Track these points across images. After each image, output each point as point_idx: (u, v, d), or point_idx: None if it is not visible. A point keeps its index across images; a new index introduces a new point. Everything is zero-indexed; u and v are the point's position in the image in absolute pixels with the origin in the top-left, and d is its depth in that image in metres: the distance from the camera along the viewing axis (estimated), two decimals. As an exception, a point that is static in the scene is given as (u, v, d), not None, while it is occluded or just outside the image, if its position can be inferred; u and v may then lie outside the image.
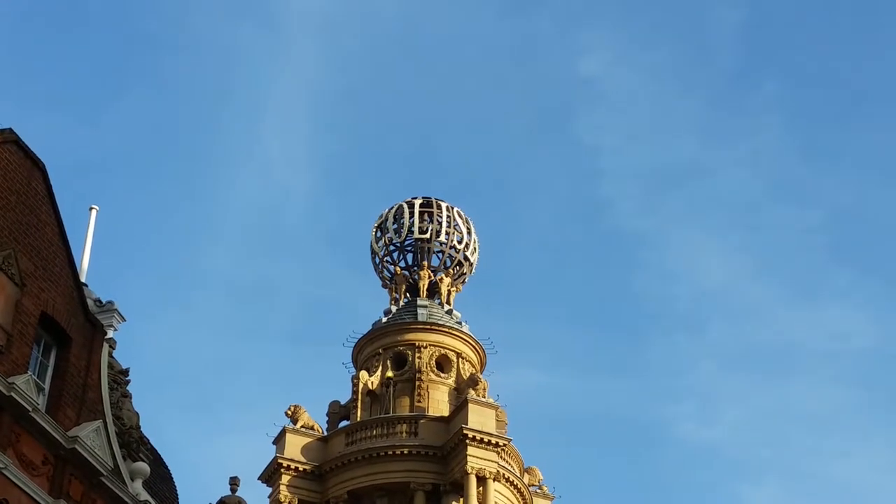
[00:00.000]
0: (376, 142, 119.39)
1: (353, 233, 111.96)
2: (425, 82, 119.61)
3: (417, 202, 59.20)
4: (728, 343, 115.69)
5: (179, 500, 28.01)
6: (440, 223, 58.51)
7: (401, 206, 59.22)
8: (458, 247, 58.46)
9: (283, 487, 51.22)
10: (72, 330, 22.92)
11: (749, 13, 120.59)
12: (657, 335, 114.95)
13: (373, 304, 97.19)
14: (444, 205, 59.14)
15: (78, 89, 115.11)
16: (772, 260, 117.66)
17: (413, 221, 58.46)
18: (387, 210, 59.56)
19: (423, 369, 53.80)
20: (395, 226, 58.79)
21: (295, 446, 52.31)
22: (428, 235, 58.30)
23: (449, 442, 50.06)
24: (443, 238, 58.26)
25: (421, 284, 57.58)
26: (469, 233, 58.94)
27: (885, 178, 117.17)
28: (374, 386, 54.08)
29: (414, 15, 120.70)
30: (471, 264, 59.00)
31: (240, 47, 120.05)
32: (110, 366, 24.18)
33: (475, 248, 59.16)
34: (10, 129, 22.49)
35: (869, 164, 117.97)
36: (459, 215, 59.19)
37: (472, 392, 51.22)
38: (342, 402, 55.63)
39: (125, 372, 24.93)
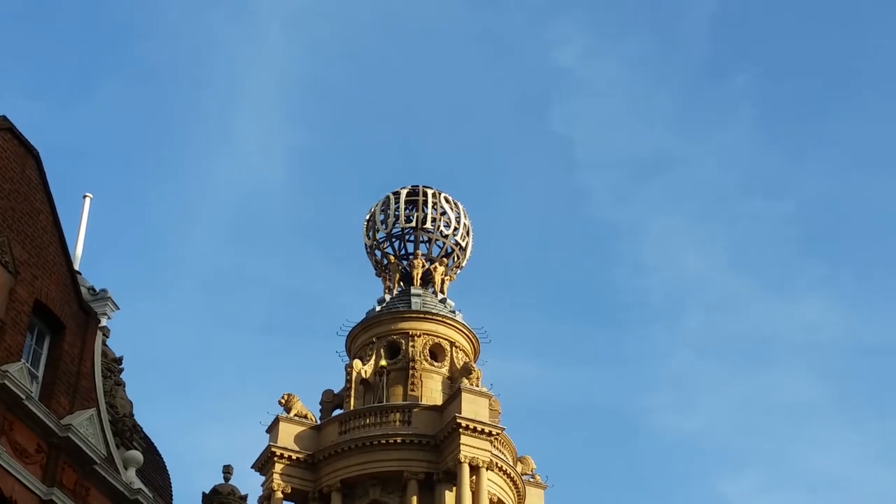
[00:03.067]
0: (352, 133, 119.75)
1: (329, 223, 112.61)
2: (399, 73, 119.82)
3: (404, 191, 59.21)
4: (704, 334, 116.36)
5: (172, 489, 28.00)
6: (425, 211, 58.50)
7: (388, 196, 59.26)
8: (447, 232, 58.49)
9: (276, 476, 51.27)
10: (65, 318, 22.88)
11: (721, 4, 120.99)
12: (634, 326, 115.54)
13: (357, 292, 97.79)
14: (430, 191, 59.09)
15: (49, 79, 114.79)
16: (745, 251, 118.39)
17: (399, 210, 58.53)
18: (377, 201, 59.64)
19: (417, 358, 53.81)
20: (383, 216, 58.81)
21: (288, 435, 52.34)
22: (414, 224, 58.34)
23: (442, 431, 50.11)
24: (429, 225, 58.25)
25: (414, 273, 57.59)
26: (458, 218, 58.90)
27: (858, 170, 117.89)
28: (368, 375, 54.10)
29: (387, 5, 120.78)
30: (462, 249, 58.95)
31: (213, 36, 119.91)
32: (104, 354, 24.15)
33: (466, 233, 59.10)
34: (4, 117, 22.41)
35: (841, 155, 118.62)
36: (447, 200, 59.13)
37: (465, 381, 51.25)
38: (335, 391, 55.66)
39: (119, 360, 24.91)
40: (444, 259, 58.55)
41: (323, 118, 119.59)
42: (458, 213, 59.07)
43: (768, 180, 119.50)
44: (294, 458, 51.75)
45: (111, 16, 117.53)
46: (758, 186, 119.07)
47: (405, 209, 58.86)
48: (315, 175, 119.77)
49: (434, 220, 58.38)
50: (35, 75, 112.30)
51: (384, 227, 58.64)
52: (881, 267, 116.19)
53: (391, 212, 58.72)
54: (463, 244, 58.90)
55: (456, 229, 58.62)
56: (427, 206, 58.56)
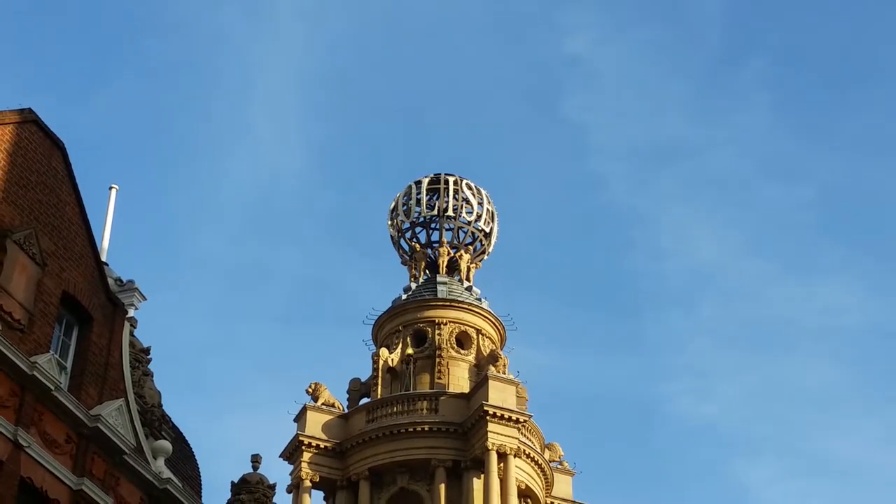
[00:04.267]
0: (366, 123, 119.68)
1: (348, 213, 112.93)
2: (413, 64, 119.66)
3: (426, 180, 59.21)
4: (722, 320, 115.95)
5: (201, 478, 28.12)
6: (447, 198, 58.44)
7: (410, 185, 59.29)
8: (469, 219, 58.43)
9: (304, 465, 51.40)
10: (93, 309, 22.97)
11: None
12: (652, 313, 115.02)
13: (380, 281, 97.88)
14: (451, 179, 59.05)
15: (65, 73, 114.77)
16: (763, 237, 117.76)
17: (421, 199, 58.51)
18: (399, 191, 59.71)
19: (444, 346, 53.83)
20: (406, 206, 58.83)
21: (316, 424, 52.45)
22: (435, 212, 58.34)
23: (469, 418, 50.11)
24: (451, 212, 58.21)
25: (440, 261, 57.59)
26: (481, 203, 58.82)
27: (875, 154, 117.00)
28: (395, 363, 54.15)
29: None
30: (487, 235, 58.85)
31: (228, 30, 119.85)
32: (131, 344, 24.24)
33: (490, 218, 58.99)
34: (30, 109, 22.48)
35: (858, 139, 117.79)
36: (469, 187, 59.08)
37: (492, 368, 51.22)
38: (363, 380, 55.75)
39: (146, 350, 24.98)
40: (469, 247, 58.55)
41: (338, 109, 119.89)
42: (481, 199, 59.00)
43: (785, 165, 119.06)
44: (322, 446, 51.86)
45: (125, 10, 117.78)
46: (774, 172, 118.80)
47: (427, 197, 58.88)
48: (332, 166, 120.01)
49: (456, 207, 58.33)
50: (50, 70, 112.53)
51: (406, 216, 58.66)
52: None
53: (413, 201, 58.74)
54: (487, 230, 58.82)
55: (479, 216, 58.56)
56: (448, 194, 58.52)
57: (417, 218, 58.78)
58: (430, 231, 59.09)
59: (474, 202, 58.68)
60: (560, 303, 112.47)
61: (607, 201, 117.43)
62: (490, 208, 59.13)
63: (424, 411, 51.43)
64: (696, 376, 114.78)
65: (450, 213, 58.27)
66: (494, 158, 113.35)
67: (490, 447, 49.05)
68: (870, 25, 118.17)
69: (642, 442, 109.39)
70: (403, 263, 59.18)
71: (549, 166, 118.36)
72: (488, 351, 53.76)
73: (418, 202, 58.76)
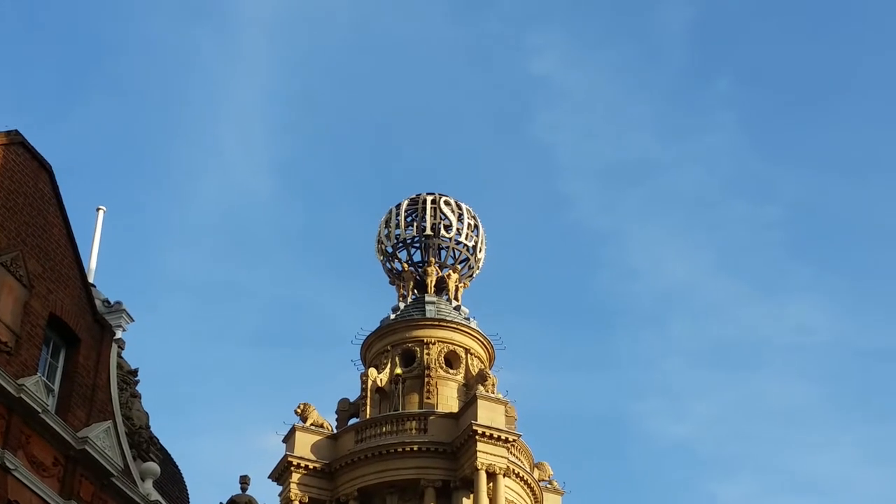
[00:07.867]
0: (336, 143, 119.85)
1: (322, 233, 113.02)
2: (382, 84, 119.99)
3: (405, 202, 59.18)
4: (692, 339, 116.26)
5: (190, 500, 28.02)
6: (425, 219, 58.38)
7: (391, 209, 59.28)
8: (449, 235, 58.36)
9: (293, 485, 51.26)
10: (80, 331, 22.90)
11: (700, 10, 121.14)
12: (623, 333, 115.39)
13: (360, 301, 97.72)
14: (429, 198, 59.03)
15: (34, 95, 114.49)
16: (731, 256, 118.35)
17: (400, 222, 58.47)
18: (382, 217, 59.70)
19: (432, 366, 53.79)
20: (387, 230, 58.82)
21: (305, 444, 52.34)
22: (415, 232, 58.34)
23: (458, 438, 50.05)
24: (428, 231, 58.16)
25: (428, 281, 57.54)
26: (461, 218, 58.76)
27: (842, 173, 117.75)
28: (383, 383, 54.09)
29: (369, 17, 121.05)
30: (469, 249, 58.68)
31: (195, 51, 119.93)
32: (119, 366, 24.17)
33: (473, 232, 58.86)
34: (16, 131, 22.43)
35: (824, 158, 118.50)
36: (448, 204, 59.05)
37: (481, 388, 51.18)
38: (351, 400, 55.67)
39: (134, 372, 24.91)
40: (457, 266, 58.50)
41: (307, 129, 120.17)
42: (461, 214, 58.95)
43: (752, 184, 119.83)
44: (311, 467, 51.74)
45: (93, 32, 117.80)
46: (742, 190, 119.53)
47: (407, 218, 58.77)
48: (301, 186, 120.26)
49: (435, 225, 58.27)
50: (18, 91, 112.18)
51: (388, 239, 58.60)
52: (868, 268, 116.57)
53: (394, 223, 58.66)
54: (470, 245, 58.71)
55: (459, 232, 58.48)
56: (426, 213, 58.48)
57: (399, 239, 58.65)
58: (413, 250, 59.00)
59: (453, 218, 58.62)
60: (534, 322, 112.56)
61: (576, 221, 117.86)
62: (472, 222, 59.04)
63: (413, 431, 51.35)
64: (668, 395, 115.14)
65: (428, 231, 58.21)
66: (463, 178, 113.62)
67: (479, 467, 48.98)
68: (835, 44, 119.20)
69: (621, 461, 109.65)
70: (391, 283, 59.14)
71: (518, 186, 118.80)
72: (477, 370, 53.73)
73: (397, 223, 58.60)
